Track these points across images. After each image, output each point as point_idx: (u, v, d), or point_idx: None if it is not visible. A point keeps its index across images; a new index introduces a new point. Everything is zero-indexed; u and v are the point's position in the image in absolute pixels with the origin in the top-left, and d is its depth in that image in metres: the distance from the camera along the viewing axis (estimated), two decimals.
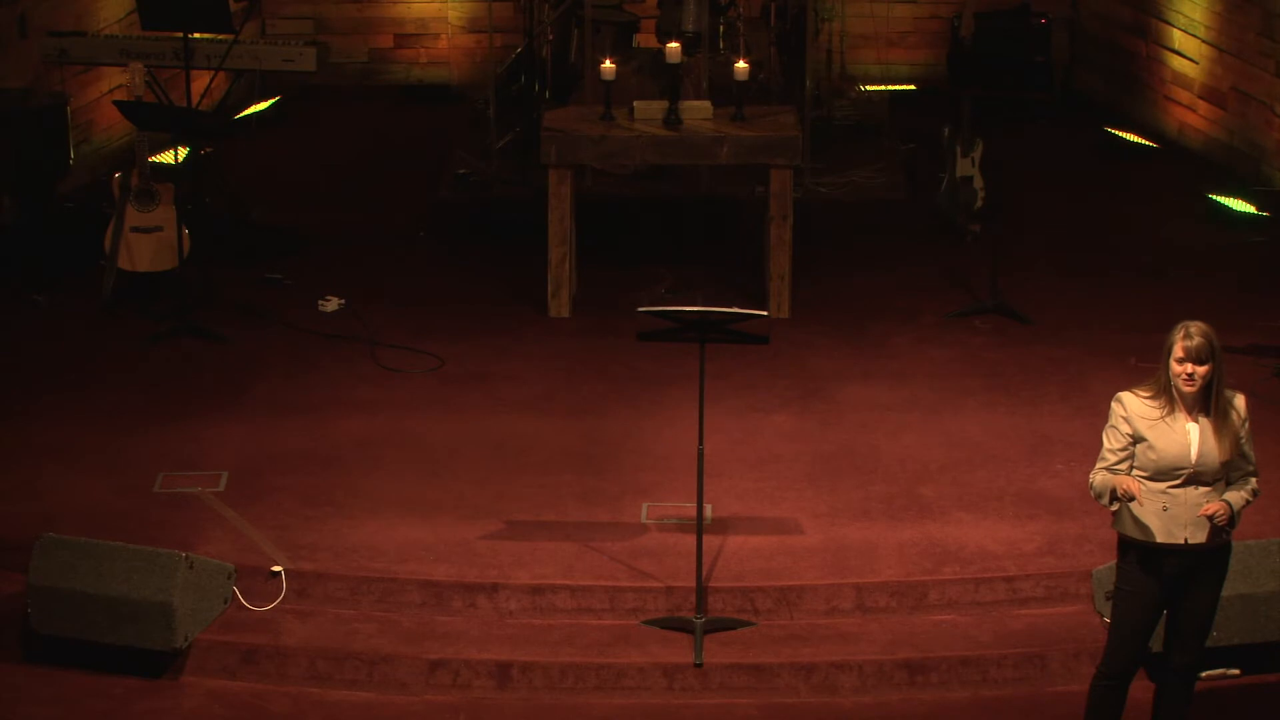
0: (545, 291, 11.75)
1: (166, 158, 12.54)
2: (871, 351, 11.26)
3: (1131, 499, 7.25)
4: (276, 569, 8.88)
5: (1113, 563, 8.62)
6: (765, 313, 8.67)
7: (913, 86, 16.07)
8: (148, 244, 11.77)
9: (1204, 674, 8.39)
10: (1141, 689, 8.32)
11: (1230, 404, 7.34)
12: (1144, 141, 14.80)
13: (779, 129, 11.64)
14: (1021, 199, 13.05)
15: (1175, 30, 14.85)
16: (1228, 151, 14.18)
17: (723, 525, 9.23)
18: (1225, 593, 8.31)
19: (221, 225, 12.56)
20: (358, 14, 16.31)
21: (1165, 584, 7.43)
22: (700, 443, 8.58)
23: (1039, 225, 13.10)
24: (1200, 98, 14.57)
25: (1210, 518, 7.28)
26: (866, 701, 8.37)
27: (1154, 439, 7.31)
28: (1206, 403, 7.29)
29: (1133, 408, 7.36)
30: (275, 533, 9.17)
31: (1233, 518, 7.34)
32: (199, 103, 12.47)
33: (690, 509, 8.98)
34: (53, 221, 12.67)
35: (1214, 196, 13.40)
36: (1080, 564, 8.85)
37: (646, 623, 8.69)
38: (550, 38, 14.09)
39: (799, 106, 12.93)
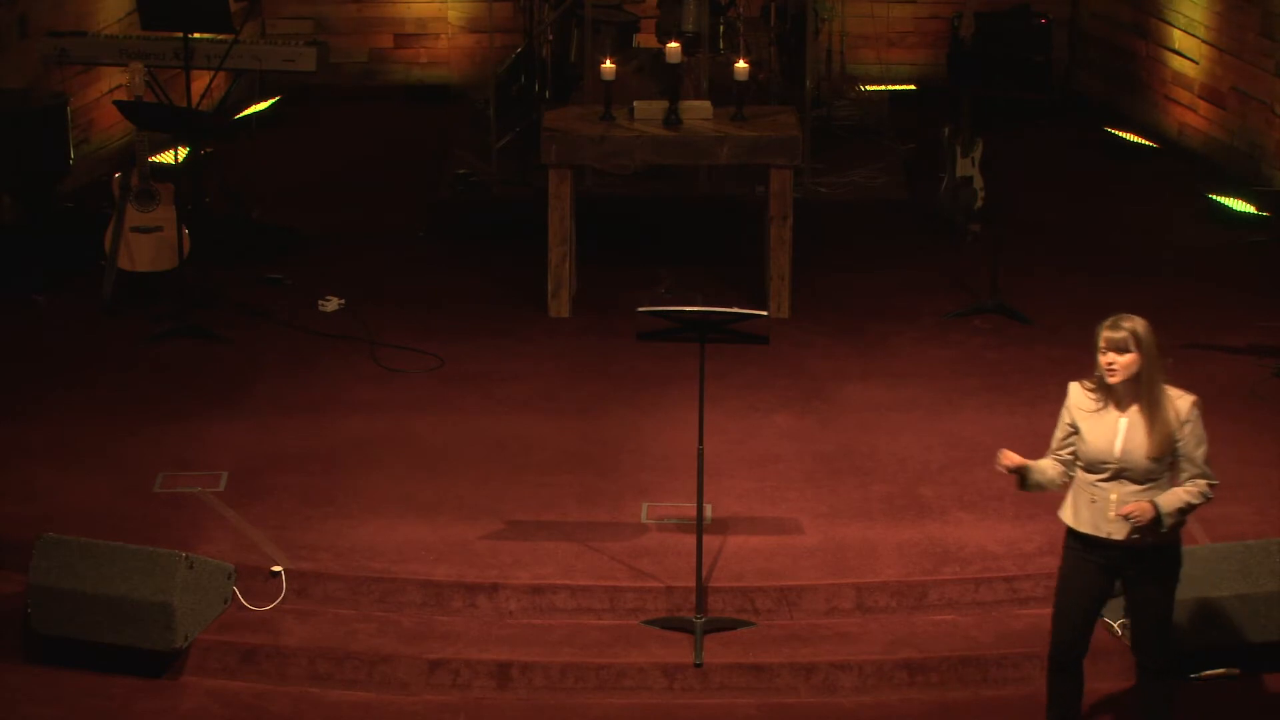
0: (545, 291, 11.76)
1: (166, 158, 12.54)
2: (871, 351, 11.26)
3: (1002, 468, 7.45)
4: (276, 569, 8.88)
5: None
6: (765, 313, 8.67)
7: (913, 86, 16.08)
8: (148, 244, 11.77)
9: (1204, 674, 8.40)
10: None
11: (1170, 402, 7.29)
12: (1144, 141, 14.81)
13: (779, 129, 11.64)
14: (1021, 199, 13.06)
15: (1175, 30, 14.85)
16: (1228, 151, 14.18)
17: (723, 525, 9.23)
18: (1225, 593, 8.34)
19: (221, 225, 12.57)
20: (358, 14, 16.31)
21: (1100, 575, 7.46)
22: (700, 443, 8.58)
23: (1039, 225, 13.10)
24: (1200, 98, 14.57)
25: (1125, 517, 7.28)
26: (866, 701, 8.37)
27: (1085, 430, 7.37)
28: (1138, 397, 7.29)
29: (1073, 398, 7.43)
30: (275, 533, 9.18)
31: (1158, 520, 7.26)
32: (199, 103, 12.47)
33: (690, 509, 8.98)
34: (53, 221, 12.68)
35: (1214, 196, 13.40)
36: None
37: (646, 623, 8.69)
38: (550, 38, 14.09)
39: (799, 106, 12.92)
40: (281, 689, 8.47)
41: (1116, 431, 7.32)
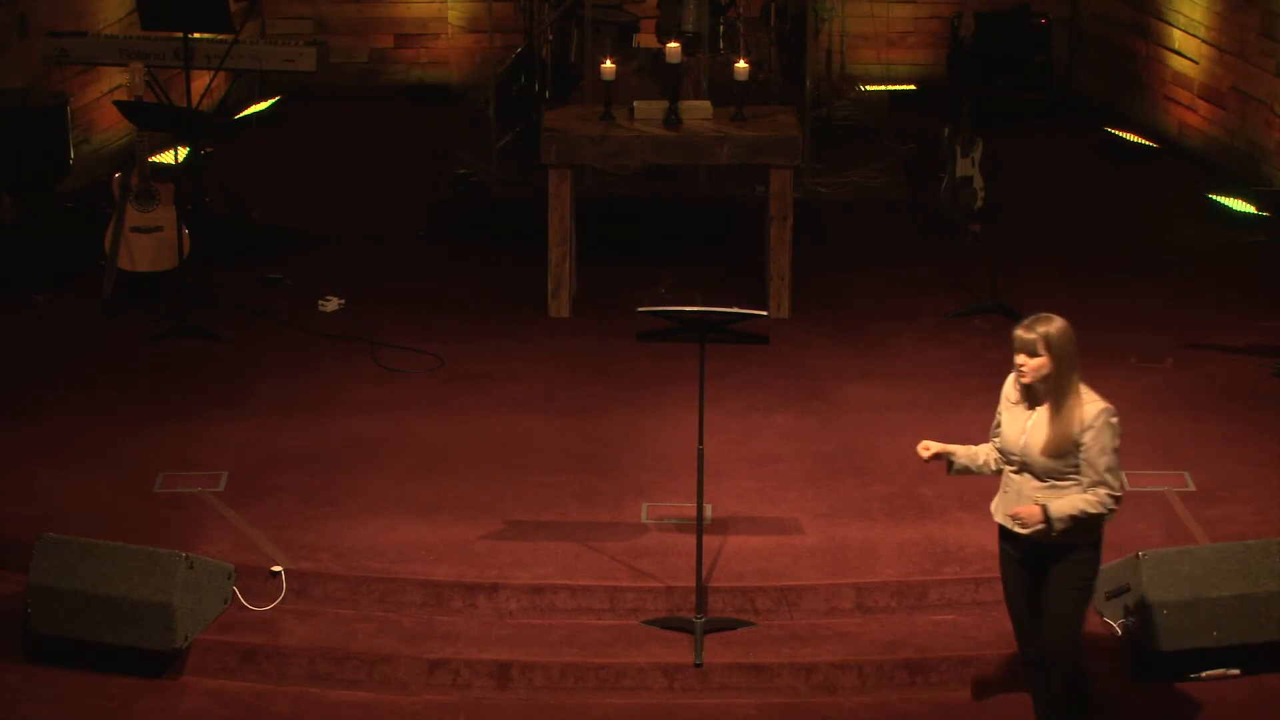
0: (545, 291, 11.75)
1: (166, 158, 12.54)
2: (871, 351, 11.26)
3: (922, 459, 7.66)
4: (276, 569, 8.88)
5: (1113, 563, 8.65)
6: (765, 313, 8.67)
7: (913, 86, 16.07)
8: (148, 244, 11.77)
9: (1204, 674, 8.40)
10: (1142, 689, 8.34)
11: (1079, 408, 7.31)
12: (1144, 141, 14.80)
13: (779, 129, 11.64)
14: (1021, 199, 13.06)
15: (1175, 30, 14.85)
16: (1228, 151, 14.18)
17: (723, 525, 9.23)
18: (1225, 593, 8.34)
19: (221, 225, 12.56)
20: (358, 14, 16.31)
21: (1020, 568, 7.57)
22: (700, 443, 8.58)
23: (1039, 225, 13.10)
24: (1200, 98, 14.57)
25: (1014, 518, 7.40)
26: (866, 701, 8.37)
27: (1004, 421, 7.52)
28: (1048, 397, 7.34)
29: (1005, 389, 7.57)
30: (275, 533, 9.18)
31: (1049, 523, 7.32)
32: (199, 103, 12.46)
33: (690, 509, 8.98)
34: (53, 221, 12.67)
35: (1214, 196, 13.40)
36: None
37: (646, 623, 8.69)
38: (550, 38, 14.08)
39: (799, 106, 12.92)
40: (281, 689, 8.47)
41: (1024, 426, 7.43)
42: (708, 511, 9.05)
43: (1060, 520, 7.32)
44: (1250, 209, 13.07)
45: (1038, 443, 7.36)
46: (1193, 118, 14.66)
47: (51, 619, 8.56)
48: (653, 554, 9.02)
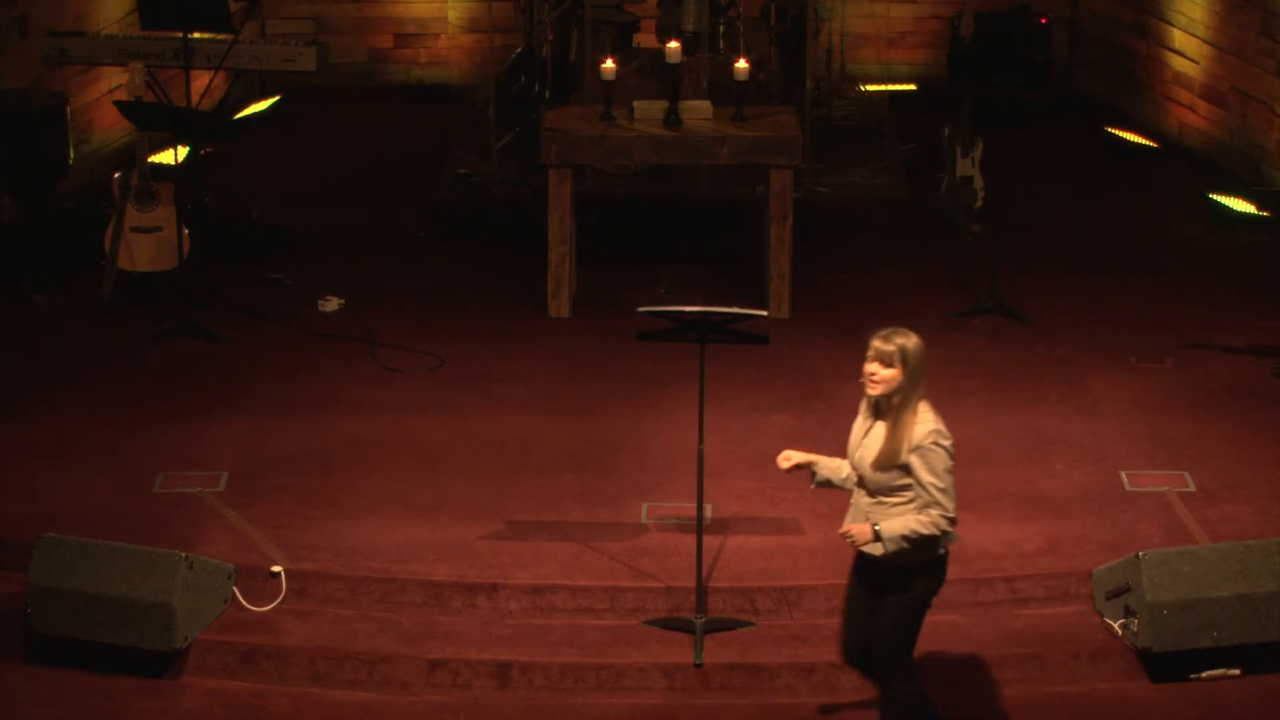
0: (545, 291, 11.75)
1: (166, 158, 12.54)
2: None
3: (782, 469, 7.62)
4: (276, 569, 8.88)
5: (1113, 563, 8.65)
6: (765, 313, 8.67)
7: (913, 86, 16.08)
8: (148, 244, 11.77)
9: (1204, 674, 8.40)
10: (1142, 689, 8.34)
11: (912, 425, 7.28)
12: (1144, 141, 14.80)
13: (779, 129, 11.64)
14: (1021, 199, 13.06)
15: (1175, 30, 14.85)
16: (1228, 151, 14.18)
17: (723, 525, 9.23)
18: (1225, 593, 8.34)
19: (221, 225, 12.56)
20: (358, 14, 16.31)
21: (856, 577, 7.54)
22: (700, 443, 8.58)
23: (1039, 225, 13.10)
24: (1200, 98, 14.57)
25: (845, 533, 7.38)
26: (866, 701, 8.36)
27: (852, 432, 7.48)
28: (890, 412, 7.30)
29: (864, 401, 7.49)
30: (275, 533, 9.18)
31: (881, 543, 7.29)
32: (199, 103, 12.47)
33: (690, 509, 8.98)
34: (53, 221, 12.68)
35: (1214, 196, 13.40)
36: (1080, 564, 8.86)
37: (646, 623, 8.69)
38: (550, 38, 14.08)
39: (799, 106, 12.92)
40: (281, 689, 8.47)
41: (863, 438, 7.42)
42: (708, 511, 9.05)
43: (891, 540, 7.29)
44: (1250, 209, 13.06)
45: (870, 455, 7.35)
46: (1193, 118, 14.67)
47: (51, 619, 8.56)
48: (653, 554, 9.02)
